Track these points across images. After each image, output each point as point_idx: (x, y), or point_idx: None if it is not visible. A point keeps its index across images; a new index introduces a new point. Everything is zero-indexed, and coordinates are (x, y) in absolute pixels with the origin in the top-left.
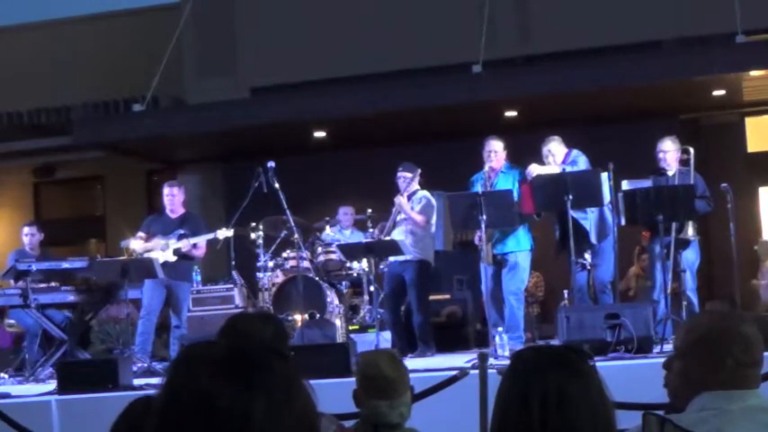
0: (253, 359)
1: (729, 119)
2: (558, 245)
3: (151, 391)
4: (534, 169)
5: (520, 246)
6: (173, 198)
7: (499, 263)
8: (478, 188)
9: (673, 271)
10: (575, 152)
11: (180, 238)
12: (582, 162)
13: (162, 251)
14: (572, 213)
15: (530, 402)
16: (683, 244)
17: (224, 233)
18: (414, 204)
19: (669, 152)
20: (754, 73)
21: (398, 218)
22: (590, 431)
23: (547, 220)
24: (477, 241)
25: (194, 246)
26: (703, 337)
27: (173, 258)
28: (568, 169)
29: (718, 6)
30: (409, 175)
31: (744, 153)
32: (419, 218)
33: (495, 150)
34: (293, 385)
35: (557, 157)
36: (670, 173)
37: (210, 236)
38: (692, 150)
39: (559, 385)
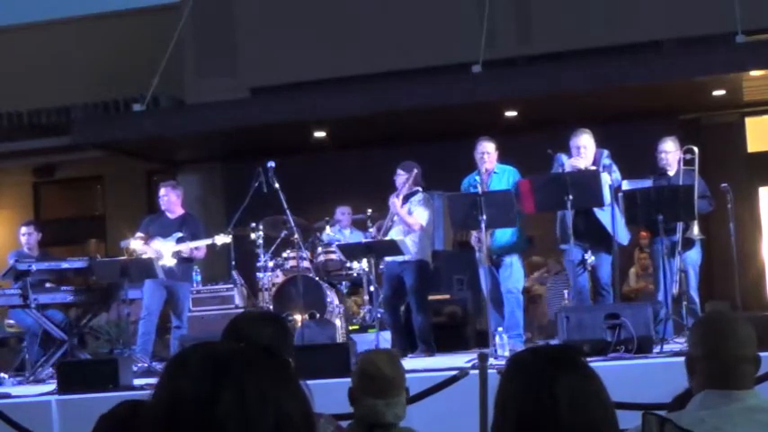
0: (223, 357)
1: (729, 119)
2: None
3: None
4: (576, 162)
5: (515, 247)
6: (164, 198)
7: (495, 264)
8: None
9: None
10: (606, 154)
11: (179, 241)
12: (616, 171)
13: (161, 253)
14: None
15: (558, 401)
16: (688, 243)
17: (222, 239)
18: (411, 206)
19: (671, 153)
20: (754, 73)
21: (395, 218)
22: (606, 424)
23: (547, 221)
24: (474, 242)
25: (194, 248)
26: (700, 335)
27: (172, 262)
28: (608, 176)
29: (718, 6)
30: (404, 173)
31: (744, 153)
32: (410, 221)
33: (488, 152)
34: (276, 384)
35: (588, 150)
36: (671, 173)
37: (208, 241)
38: (696, 150)
39: (578, 383)
